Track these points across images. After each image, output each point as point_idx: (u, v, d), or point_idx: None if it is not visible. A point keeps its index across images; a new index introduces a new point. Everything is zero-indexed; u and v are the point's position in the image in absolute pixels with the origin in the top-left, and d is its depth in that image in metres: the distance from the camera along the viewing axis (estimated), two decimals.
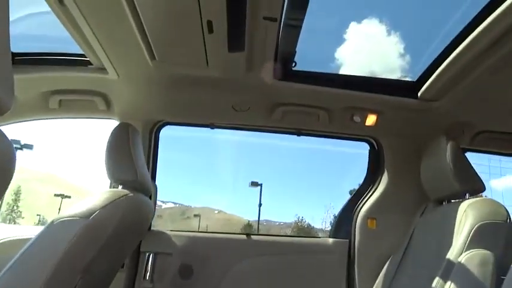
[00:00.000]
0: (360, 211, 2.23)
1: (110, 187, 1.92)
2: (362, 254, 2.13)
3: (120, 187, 1.71)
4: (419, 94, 1.90)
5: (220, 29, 1.41)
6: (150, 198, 1.99)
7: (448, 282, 1.40)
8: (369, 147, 2.37)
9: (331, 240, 2.24)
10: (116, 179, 1.71)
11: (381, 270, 2.02)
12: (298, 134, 2.30)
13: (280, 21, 1.51)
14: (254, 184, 23.89)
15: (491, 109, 1.96)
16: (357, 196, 2.32)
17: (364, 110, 2.06)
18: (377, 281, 2.00)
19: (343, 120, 2.12)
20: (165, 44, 1.58)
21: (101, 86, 1.99)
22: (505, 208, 1.58)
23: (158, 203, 2.43)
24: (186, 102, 2.08)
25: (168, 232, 2.18)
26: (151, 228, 2.17)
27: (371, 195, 2.25)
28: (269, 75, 1.82)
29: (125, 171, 1.68)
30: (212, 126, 2.26)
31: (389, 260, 2.01)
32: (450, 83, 1.76)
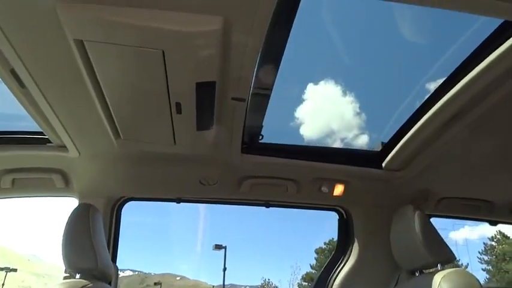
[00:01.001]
0: (332, 285, 2.16)
1: (66, 272, 1.75)
2: None
3: (77, 276, 1.57)
4: (383, 164, 1.95)
5: (189, 110, 1.40)
6: (110, 283, 1.83)
7: None
8: (338, 217, 2.36)
9: None
10: (73, 267, 1.56)
11: None
12: (267, 206, 2.27)
13: (248, 99, 1.54)
14: (218, 247, 23.09)
15: (452, 177, 2.03)
16: (329, 269, 2.26)
17: (332, 181, 2.08)
18: None
19: (311, 191, 2.12)
20: (131, 123, 1.55)
21: (60, 163, 1.89)
22: (476, 279, 1.57)
23: None
24: (152, 178, 2.02)
25: None
26: None
27: (343, 267, 2.20)
28: (237, 150, 1.82)
29: (84, 259, 1.54)
30: (178, 200, 2.18)
31: None
32: (413, 154, 1.83)
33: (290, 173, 2.04)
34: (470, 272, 1.70)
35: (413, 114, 1.73)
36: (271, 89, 1.65)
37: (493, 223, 2.56)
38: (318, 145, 2.13)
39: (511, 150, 1.79)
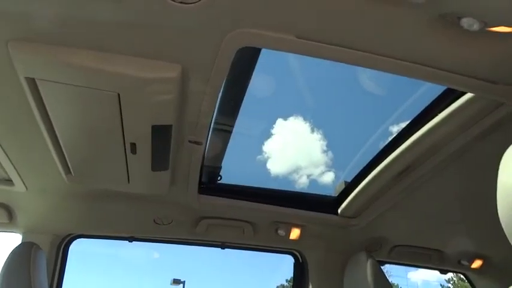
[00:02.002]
0: None
1: None
2: None
3: None
4: (339, 211, 1.99)
5: (144, 151, 1.38)
6: None
7: None
8: (293, 260, 2.35)
9: None
10: None
11: None
12: (223, 247, 2.23)
13: (206, 142, 1.54)
14: (176, 282, 22.23)
15: (405, 226, 2.09)
16: None
17: (289, 224, 2.08)
18: None
19: (268, 234, 2.10)
20: (82, 161, 1.50)
21: (4, 197, 1.79)
22: None
23: None
24: (103, 215, 1.94)
25: None
26: None
27: None
28: (193, 191, 1.79)
29: None
30: (131, 239, 2.11)
31: None
32: (366, 202, 1.88)
33: (247, 215, 2.03)
34: None
35: (367, 165, 1.79)
36: (231, 131, 1.67)
37: (444, 272, 2.63)
38: (276, 188, 2.12)
39: (460, 203, 1.87)
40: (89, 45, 1.01)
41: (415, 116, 1.46)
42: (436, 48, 1.00)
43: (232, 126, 1.62)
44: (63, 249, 2.02)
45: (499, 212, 0.79)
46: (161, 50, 1.04)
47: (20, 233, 1.93)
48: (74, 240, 2.07)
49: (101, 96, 1.12)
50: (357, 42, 1.00)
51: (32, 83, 1.07)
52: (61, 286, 2.01)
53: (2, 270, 1.48)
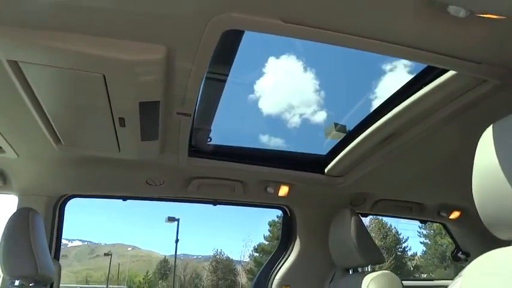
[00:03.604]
0: (274, 278, 2.28)
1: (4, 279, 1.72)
2: None
3: (16, 282, 1.55)
4: (325, 170, 2.06)
5: (133, 124, 1.39)
6: (52, 284, 1.83)
7: None
8: (282, 214, 2.46)
9: None
10: (12, 274, 1.54)
11: None
12: (215, 204, 2.32)
13: (194, 111, 1.55)
14: (171, 219, 23.14)
15: (387, 183, 2.19)
16: (271, 263, 2.37)
17: (277, 183, 2.15)
18: None
19: (257, 192, 2.19)
20: (72, 132, 1.51)
21: None
22: (400, 281, 1.75)
23: (64, 241, 2.22)
24: (95, 178, 1.99)
25: None
26: None
27: (284, 262, 2.32)
28: (184, 154, 1.83)
29: (23, 265, 1.52)
30: (125, 198, 2.18)
31: None
32: (353, 163, 1.94)
33: (237, 175, 2.09)
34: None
35: (354, 128, 1.83)
36: (219, 98, 1.67)
37: (423, 222, 2.80)
38: (264, 148, 2.17)
39: (442, 163, 1.95)
40: (72, 28, 0.98)
41: (400, 87, 1.48)
42: (423, 31, 1.00)
43: (220, 93, 1.62)
44: (59, 209, 2.09)
45: (473, 190, 0.85)
46: (146, 32, 1.02)
47: (16, 195, 1.98)
48: (68, 200, 2.13)
49: (86, 77, 1.11)
50: (345, 25, 0.99)
51: (14, 65, 1.05)
52: (59, 244, 2.10)
53: (2, 237, 1.55)
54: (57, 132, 1.49)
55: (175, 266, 31.95)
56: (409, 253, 29.17)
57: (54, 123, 1.40)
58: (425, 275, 28.23)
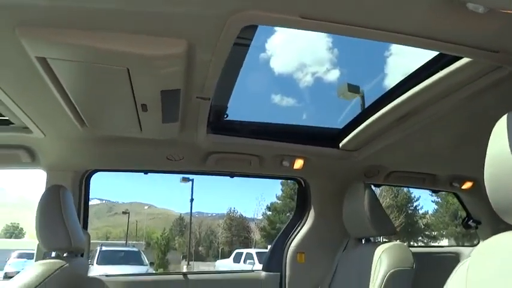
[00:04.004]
0: (290, 246, 2.39)
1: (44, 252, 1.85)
2: (292, 287, 2.31)
3: (53, 253, 1.69)
4: (340, 145, 2.10)
5: (155, 109, 1.44)
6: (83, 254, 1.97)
7: None
8: (297, 185, 2.54)
9: (263, 273, 2.38)
10: (49, 247, 1.67)
11: None
12: (232, 176, 2.41)
13: (212, 95, 1.58)
14: (185, 180, 23.65)
15: (401, 156, 2.23)
16: (287, 231, 2.48)
17: (292, 157, 2.21)
18: None
19: (273, 165, 2.25)
20: (96, 117, 1.58)
21: (25, 141, 1.90)
22: (411, 253, 1.82)
23: None
24: (118, 154, 2.08)
25: (104, 278, 2.17)
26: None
27: (299, 231, 2.42)
28: (202, 132, 1.89)
29: (58, 239, 1.64)
30: (146, 172, 2.28)
31: None
32: (367, 139, 1.98)
33: (253, 150, 2.16)
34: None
35: (370, 105, 1.85)
36: (237, 77, 1.70)
37: (435, 192, 2.85)
38: (280, 123, 2.21)
39: (456, 139, 1.97)
40: (96, 26, 1.02)
41: (416, 69, 1.50)
42: (441, 23, 1.01)
43: (240, 67, 1.64)
44: (85, 182, 2.21)
45: (485, 177, 0.90)
46: (168, 28, 1.04)
47: (45, 171, 2.09)
48: (92, 174, 2.24)
49: (111, 70, 1.15)
50: (362, 18, 1.00)
51: (43, 61, 1.10)
52: (87, 215, 2.23)
53: (37, 213, 1.66)
54: (81, 116, 1.56)
55: (190, 223, 33.00)
56: (421, 212, 29.54)
57: (79, 108, 1.47)
58: (435, 233, 28.72)
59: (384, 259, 1.78)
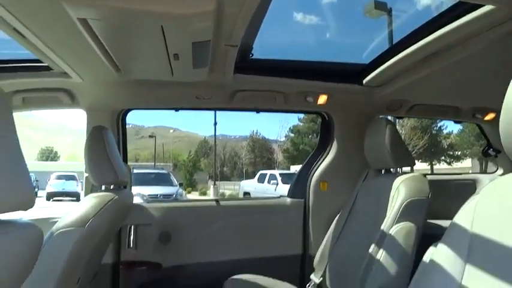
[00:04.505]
0: (313, 175, 2.56)
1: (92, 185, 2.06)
2: (315, 213, 2.52)
3: (103, 187, 1.90)
4: (364, 81, 2.14)
5: (186, 57, 1.52)
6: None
7: (381, 250, 1.79)
8: (320, 119, 2.63)
9: (288, 200, 2.60)
10: (99, 182, 1.88)
11: (331, 226, 2.42)
12: (257, 111, 2.52)
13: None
14: None
15: (424, 90, 2.26)
16: (311, 162, 2.64)
17: (316, 93, 2.28)
18: (327, 235, 2.41)
19: (297, 101, 2.34)
20: (130, 64, 1.68)
21: (65, 85, 2.04)
22: (428, 184, 1.94)
23: None
24: (151, 95, 2.20)
25: (145, 205, 2.43)
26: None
27: (322, 161, 2.57)
28: (229, 73, 1.97)
29: (105, 174, 1.84)
30: (177, 109, 2.41)
31: (337, 217, 2.40)
32: (392, 76, 2.01)
33: (278, 87, 2.23)
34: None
35: (399, 42, 1.86)
36: (264, 17, 1.72)
37: (458, 122, 2.90)
38: (304, 59, 2.24)
39: (480, 73, 1.98)
40: None
41: (444, 10, 1.48)
42: None
43: (267, 8, 1.66)
44: (121, 121, 2.37)
45: (500, 131, 0.96)
46: None
47: (84, 110, 2.25)
48: (128, 112, 2.40)
49: (145, 27, 1.23)
50: None
51: (83, 21, 1.18)
52: (126, 150, 2.44)
53: (85, 152, 1.84)
54: (116, 63, 1.66)
55: (215, 145, 34.08)
56: (445, 132, 29.35)
57: (114, 57, 1.56)
58: (459, 153, 28.75)
59: (401, 189, 1.91)
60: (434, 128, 28.45)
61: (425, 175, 2.20)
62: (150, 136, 44.64)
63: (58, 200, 18.06)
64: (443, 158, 29.44)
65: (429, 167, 29.68)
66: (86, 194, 2.17)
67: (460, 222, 1.15)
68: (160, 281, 2.40)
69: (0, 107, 0.82)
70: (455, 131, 28.86)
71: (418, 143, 26.11)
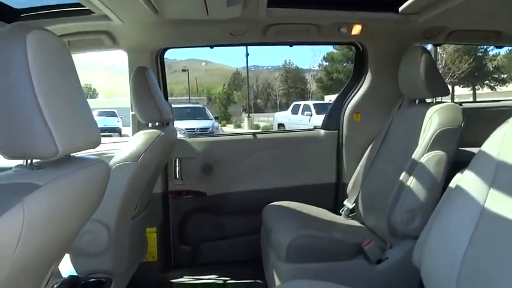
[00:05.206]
0: (347, 106, 2.61)
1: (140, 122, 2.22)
2: (348, 143, 2.61)
3: (150, 124, 2.06)
4: (400, 9, 2.08)
5: None
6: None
7: (411, 178, 1.88)
8: (355, 50, 2.61)
9: (323, 131, 2.69)
10: (145, 120, 2.03)
11: (364, 156, 2.51)
12: (291, 45, 2.53)
13: None
14: None
15: (464, 15, 2.16)
16: (345, 93, 2.67)
17: (350, 23, 2.26)
18: (360, 164, 2.51)
19: (330, 32, 2.32)
20: (166, 4, 1.73)
21: (106, 27, 2.13)
22: (461, 113, 1.95)
23: None
24: (187, 33, 2.27)
25: (188, 139, 2.61)
26: None
27: (356, 92, 2.60)
28: (263, 7, 1.98)
29: (151, 112, 1.99)
30: (211, 46, 2.47)
31: (370, 147, 2.48)
32: (430, 1, 1.94)
33: (311, 19, 2.22)
34: None
35: None
36: None
37: (499, 47, 2.77)
38: None
39: None
40: None
41: None
42: None
43: None
44: (160, 59, 2.48)
45: None
46: None
47: (125, 51, 2.36)
48: (165, 51, 2.49)
49: None
50: None
51: None
52: (166, 85, 2.57)
53: (131, 92, 1.98)
54: (154, 4, 1.72)
55: (247, 77, 33.88)
56: (491, 53, 27.48)
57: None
58: (505, 75, 27.12)
59: (434, 119, 1.94)
60: (480, 50, 26.66)
61: (461, 103, 2.20)
62: (183, 70, 44.77)
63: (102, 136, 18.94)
64: (487, 82, 27.91)
65: (471, 92, 28.39)
66: (133, 131, 2.35)
67: (488, 149, 1.20)
68: (205, 208, 2.64)
69: (61, 49, 0.93)
70: (502, 52, 26.95)
71: (461, 66, 24.76)
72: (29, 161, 0.86)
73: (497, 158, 1.14)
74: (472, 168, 1.24)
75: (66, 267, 1.67)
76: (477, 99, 21.65)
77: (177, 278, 2.52)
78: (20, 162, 0.87)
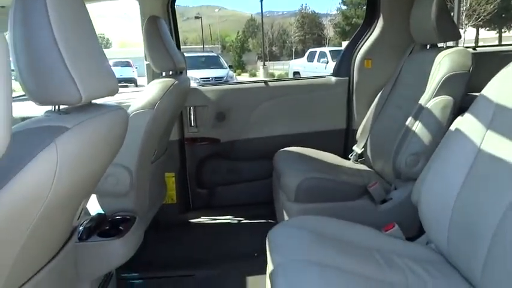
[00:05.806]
0: (358, 52, 2.61)
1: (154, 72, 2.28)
2: (359, 90, 2.64)
3: (163, 73, 2.12)
4: None
5: None
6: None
7: (417, 122, 1.93)
8: None
9: (333, 78, 2.71)
10: (159, 69, 2.10)
11: (374, 101, 2.54)
12: None
13: None
14: None
15: None
16: (355, 39, 2.66)
17: None
18: (369, 110, 2.56)
19: None
20: None
21: None
22: (471, 58, 1.95)
23: None
24: None
25: (201, 88, 2.68)
26: None
27: (367, 39, 2.58)
28: None
29: (164, 61, 2.05)
30: None
31: (380, 92, 2.51)
32: None
33: None
34: None
35: None
36: None
37: None
38: None
39: None
40: None
41: None
42: None
43: None
44: (171, 8, 2.49)
45: None
46: None
47: (136, 0, 2.38)
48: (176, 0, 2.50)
49: None
50: None
51: None
52: (179, 38, 2.60)
53: (144, 42, 2.03)
54: None
55: (262, 23, 32.83)
56: None
57: None
58: None
59: (443, 63, 1.95)
60: None
61: (474, 48, 2.18)
62: (196, 17, 43.66)
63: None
64: None
65: (497, 35, 27.07)
66: (148, 80, 2.43)
67: (487, 92, 1.25)
68: (220, 154, 2.77)
69: None
70: None
71: (487, 8, 23.45)
72: (56, 107, 0.96)
73: (496, 101, 1.19)
74: (472, 111, 1.29)
75: (95, 207, 1.83)
76: (503, 43, 20.68)
77: (195, 219, 2.71)
78: (49, 108, 0.97)
